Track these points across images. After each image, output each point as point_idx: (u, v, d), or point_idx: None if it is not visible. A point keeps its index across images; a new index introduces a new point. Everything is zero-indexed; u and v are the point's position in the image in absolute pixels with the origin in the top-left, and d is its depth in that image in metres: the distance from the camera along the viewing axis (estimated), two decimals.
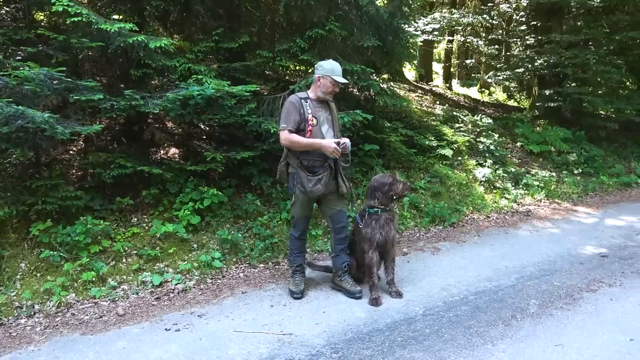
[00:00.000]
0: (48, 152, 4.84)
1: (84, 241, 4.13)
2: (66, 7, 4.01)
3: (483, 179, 7.45)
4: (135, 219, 4.72)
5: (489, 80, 13.13)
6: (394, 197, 4.01)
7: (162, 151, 5.53)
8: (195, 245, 4.62)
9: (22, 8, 4.86)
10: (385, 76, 7.83)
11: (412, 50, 8.47)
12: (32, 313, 3.60)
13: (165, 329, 3.40)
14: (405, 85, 11.68)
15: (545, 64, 10.53)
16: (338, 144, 3.72)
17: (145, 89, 4.81)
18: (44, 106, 4.10)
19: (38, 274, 3.94)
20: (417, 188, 6.60)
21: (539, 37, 11.13)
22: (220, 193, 4.89)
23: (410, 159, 7.15)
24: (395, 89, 7.89)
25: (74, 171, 4.98)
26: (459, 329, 3.47)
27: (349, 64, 5.73)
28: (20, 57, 4.45)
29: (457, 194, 6.91)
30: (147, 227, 4.64)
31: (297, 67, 6.81)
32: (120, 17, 5.22)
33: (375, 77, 7.04)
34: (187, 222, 4.67)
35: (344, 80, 3.87)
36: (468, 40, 14.57)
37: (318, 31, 5.53)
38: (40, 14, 5.35)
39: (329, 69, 3.84)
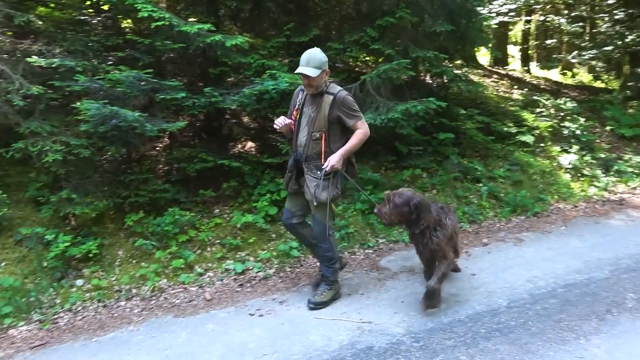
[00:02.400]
0: (138, 149, 5.20)
1: (173, 231, 4.41)
2: (151, 13, 4.27)
3: (569, 166, 6.98)
4: (217, 210, 4.96)
5: (573, 61, 12.26)
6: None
7: (239, 145, 5.75)
8: (274, 235, 4.76)
9: (111, 17, 5.24)
10: (459, 62, 7.56)
11: (486, 34, 8.08)
12: (130, 296, 3.92)
13: (249, 314, 3.56)
14: (479, 71, 11.19)
15: (638, 39, 9.62)
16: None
17: (223, 86, 5.01)
18: (133, 106, 4.41)
19: (134, 261, 4.27)
20: (495, 177, 6.33)
21: (630, 11, 10.17)
22: None
23: (487, 147, 6.86)
24: (469, 74, 7.61)
25: (161, 166, 5.32)
26: (547, 322, 3.30)
27: (421, 50, 5.61)
28: (111, 62, 4.82)
29: (540, 182, 6.54)
30: (228, 218, 4.85)
31: (368, 58, 6.78)
32: (197, 18, 5.47)
33: (448, 63, 6.83)
34: (265, 212, 4.82)
35: (298, 71, 3.36)
36: (548, 19, 13.66)
37: (388, 19, 5.46)
38: (126, 21, 5.74)
39: None
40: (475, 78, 9.28)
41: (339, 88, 3.51)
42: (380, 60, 6.09)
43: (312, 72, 3.30)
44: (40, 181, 4.49)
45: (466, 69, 7.79)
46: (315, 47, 3.45)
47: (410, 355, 2.98)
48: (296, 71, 3.38)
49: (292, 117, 3.55)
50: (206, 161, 4.77)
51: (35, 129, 4.10)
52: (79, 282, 4.03)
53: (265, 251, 4.55)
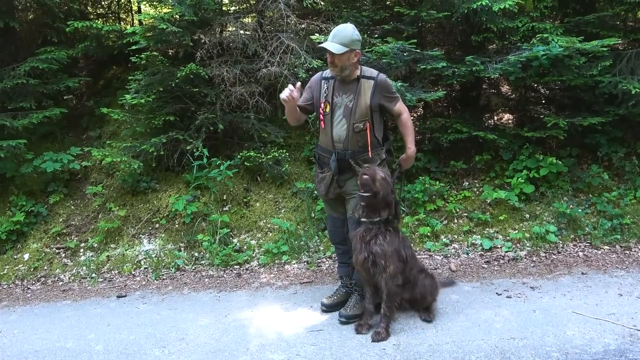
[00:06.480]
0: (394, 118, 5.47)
1: (422, 199, 4.54)
2: None
3: None
4: (467, 183, 4.86)
5: None
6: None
7: (495, 117, 5.44)
8: (528, 215, 4.41)
9: None
10: None
11: None
12: None
13: (496, 293, 3.42)
14: None
15: None
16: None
17: (485, 54, 4.78)
18: (395, 76, 4.62)
19: None
20: None
21: None
22: (559, 162, 4.49)
23: None
24: None
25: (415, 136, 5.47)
26: None
27: None
28: (377, 35, 5.12)
29: None
30: (477, 192, 4.71)
31: None
32: None
33: None
34: (520, 190, 4.48)
35: (323, 45, 2.93)
36: None
37: None
38: None
39: None
40: None
41: (376, 71, 3.12)
42: None
43: (335, 48, 2.88)
44: (313, 143, 5.19)
45: None
46: (348, 23, 3.05)
47: None
48: (319, 45, 3.08)
49: (321, 111, 3.12)
50: (460, 132, 4.68)
51: None
52: None
53: (517, 231, 4.26)
